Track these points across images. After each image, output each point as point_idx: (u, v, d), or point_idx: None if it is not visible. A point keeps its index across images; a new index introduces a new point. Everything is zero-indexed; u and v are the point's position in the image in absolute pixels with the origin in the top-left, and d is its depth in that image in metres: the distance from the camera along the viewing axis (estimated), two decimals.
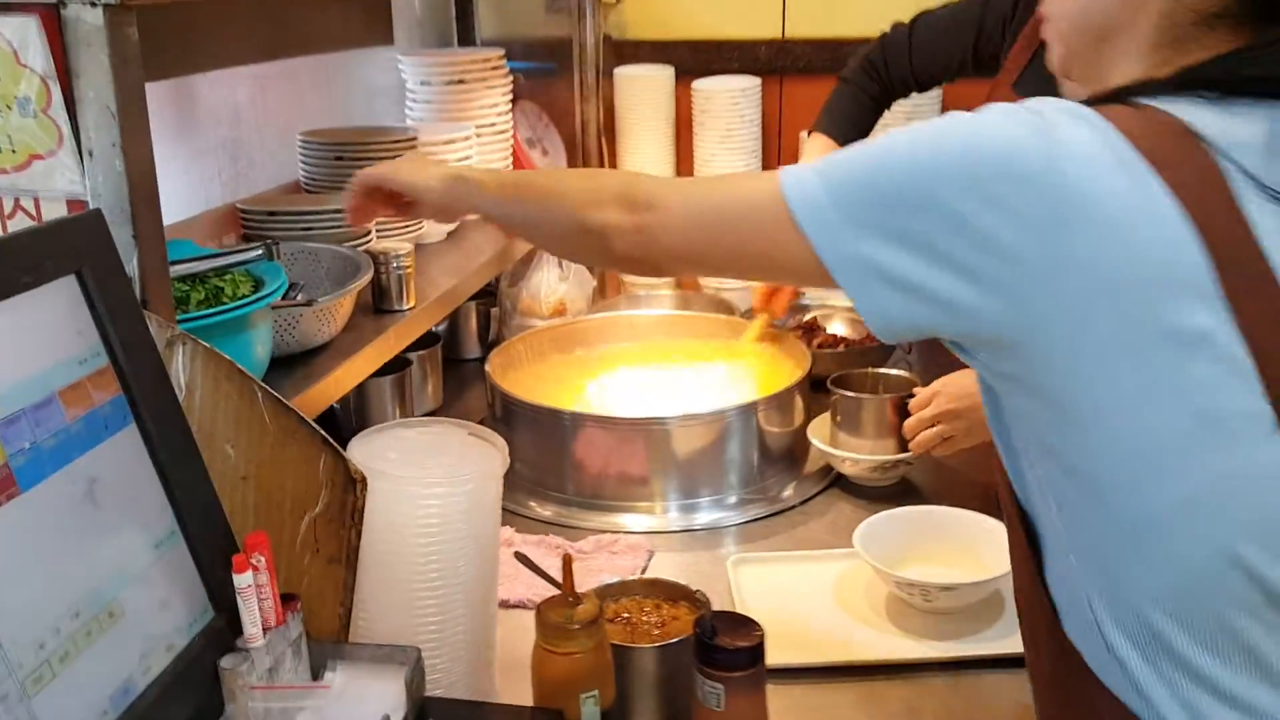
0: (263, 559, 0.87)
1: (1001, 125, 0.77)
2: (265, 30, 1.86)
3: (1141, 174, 0.74)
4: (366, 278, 1.48)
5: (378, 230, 1.71)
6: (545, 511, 1.67)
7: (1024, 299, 0.76)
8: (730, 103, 2.35)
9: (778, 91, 2.46)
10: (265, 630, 0.88)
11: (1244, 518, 0.75)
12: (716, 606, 1.15)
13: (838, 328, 2.19)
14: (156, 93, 0.99)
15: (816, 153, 1.74)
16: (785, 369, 1.86)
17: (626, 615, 1.18)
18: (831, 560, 1.50)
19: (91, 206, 0.97)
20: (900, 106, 1.91)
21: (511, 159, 2.22)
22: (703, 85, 2.40)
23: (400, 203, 1.24)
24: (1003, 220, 0.75)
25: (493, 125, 2.16)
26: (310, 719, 0.87)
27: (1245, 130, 0.77)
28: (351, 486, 0.97)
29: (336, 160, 1.76)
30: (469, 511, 1.05)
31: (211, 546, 0.91)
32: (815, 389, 1.80)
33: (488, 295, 2.20)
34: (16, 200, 1.01)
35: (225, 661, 0.86)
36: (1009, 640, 1.29)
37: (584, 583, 1.11)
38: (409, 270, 1.61)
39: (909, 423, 1.63)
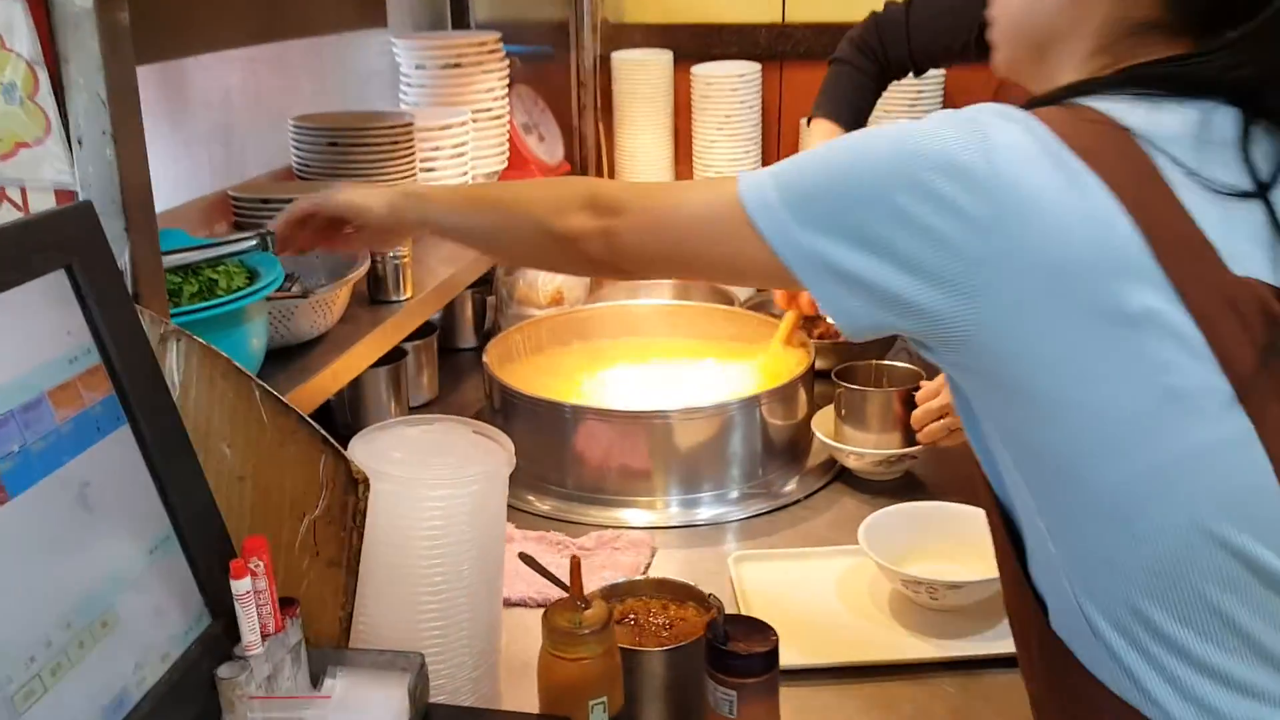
0: (261, 564, 0.84)
1: (940, 129, 0.81)
2: (257, 13, 1.82)
3: (1075, 169, 0.77)
4: (363, 268, 1.45)
5: None
6: (544, 506, 1.64)
7: (974, 294, 0.79)
8: (730, 88, 2.32)
9: (778, 77, 2.43)
10: (264, 637, 0.85)
11: (1212, 491, 0.77)
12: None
13: None
14: (145, 76, 0.95)
15: (820, 138, 1.70)
16: (788, 361, 1.83)
17: (633, 617, 1.15)
18: (835, 557, 1.47)
19: (81, 197, 0.93)
20: (903, 94, 1.89)
21: (508, 145, 2.18)
22: (702, 70, 2.36)
23: (337, 232, 1.24)
24: (946, 218, 0.78)
25: (489, 110, 2.12)
26: None
27: (1174, 124, 0.80)
28: (353, 487, 0.93)
29: (330, 146, 1.72)
30: (474, 513, 1.01)
31: (208, 551, 0.87)
32: (819, 379, 1.77)
33: (483, 283, 2.16)
34: (2, 190, 0.97)
35: (223, 671, 0.83)
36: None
37: (587, 581, 1.08)
38: (406, 260, 1.58)
39: (917, 414, 1.60)
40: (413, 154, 1.78)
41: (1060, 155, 0.77)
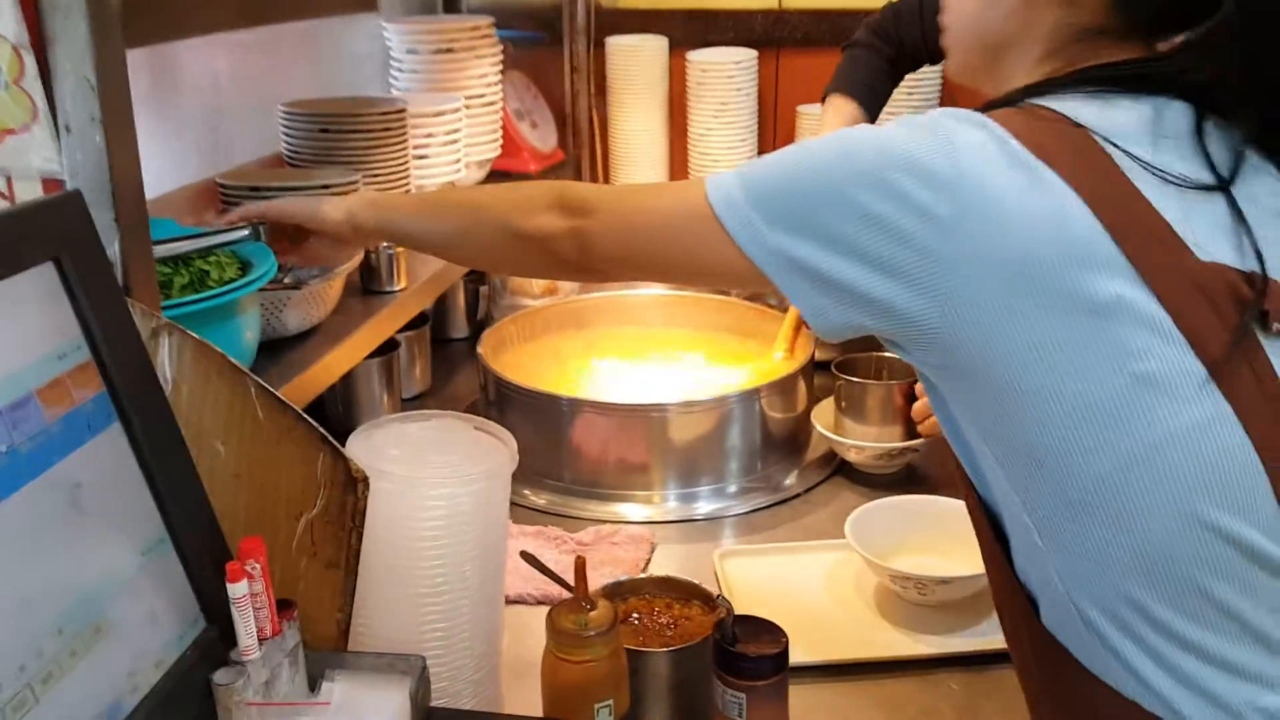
0: (258, 566, 0.81)
1: (904, 132, 0.83)
2: None
3: (1034, 167, 0.79)
4: (357, 258, 1.42)
5: None
6: (540, 500, 1.62)
7: (942, 293, 0.80)
8: (726, 75, 2.28)
9: (774, 64, 2.40)
10: (261, 641, 0.82)
11: (1195, 475, 0.77)
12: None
13: None
14: (131, 61, 0.92)
15: (835, 114, 1.67)
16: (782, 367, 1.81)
17: (637, 616, 1.13)
18: (823, 551, 1.46)
19: (69, 186, 0.90)
20: (900, 86, 1.84)
21: (501, 132, 2.15)
22: (697, 57, 2.32)
23: (292, 236, 1.23)
24: (912, 218, 0.80)
25: (481, 97, 2.08)
26: None
27: (1128, 120, 0.83)
28: (352, 487, 0.90)
29: (321, 133, 1.69)
30: (476, 512, 0.99)
31: (202, 553, 0.85)
32: (818, 371, 1.75)
33: (476, 273, 2.13)
34: None
35: (219, 677, 0.81)
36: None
37: (588, 578, 1.06)
38: (399, 249, 1.54)
39: (917, 406, 1.58)
40: (405, 141, 1.74)
41: (1019, 154, 0.79)
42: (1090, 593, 0.81)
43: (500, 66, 2.14)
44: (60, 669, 0.70)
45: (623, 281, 1.93)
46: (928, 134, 0.82)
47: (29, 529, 0.70)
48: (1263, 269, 0.80)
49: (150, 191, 0.96)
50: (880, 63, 1.72)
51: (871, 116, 1.68)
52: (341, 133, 1.68)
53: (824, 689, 1.20)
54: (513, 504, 1.59)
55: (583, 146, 2.50)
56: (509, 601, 1.32)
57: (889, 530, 1.40)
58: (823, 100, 1.73)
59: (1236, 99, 0.85)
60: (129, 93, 0.91)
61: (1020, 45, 0.92)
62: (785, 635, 1.02)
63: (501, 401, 1.68)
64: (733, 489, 1.63)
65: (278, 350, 1.33)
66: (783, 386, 1.66)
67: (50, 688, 0.69)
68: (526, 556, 1.06)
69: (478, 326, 2.16)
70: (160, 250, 1.11)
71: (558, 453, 1.62)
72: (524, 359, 1.83)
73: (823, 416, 1.70)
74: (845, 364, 1.69)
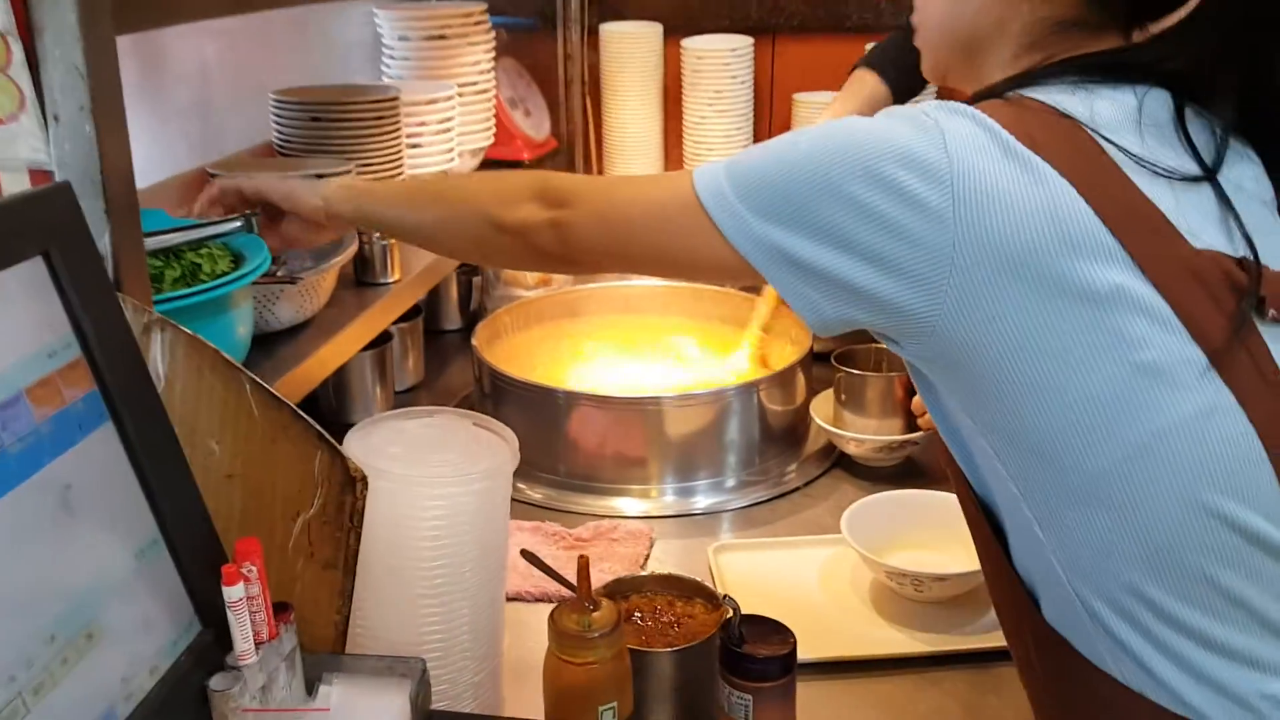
0: (254, 568, 0.79)
1: (893, 124, 0.82)
2: None
3: (1026, 157, 0.78)
4: (351, 249, 1.39)
5: None
6: (535, 494, 1.60)
7: (937, 285, 0.79)
8: (721, 63, 2.26)
9: (770, 51, 2.37)
10: (257, 645, 0.80)
11: (1199, 464, 0.77)
12: None
13: None
14: (119, 49, 0.89)
15: (855, 87, 1.65)
16: (784, 344, 1.79)
17: (639, 614, 1.11)
18: (818, 546, 1.44)
19: (58, 177, 0.87)
20: None
21: (494, 120, 2.12)
22: (692, 44, 2.30)
23: (270, 222, 1.22)
24: (905, 209, 0.78)
25: (474, 84, 2.05)
26: None
27: (1113, 111, 0.82)
28: (350, 486, 0.88)
29: (313, 121, 1.66)
30: (477, 512, 0.97)
31: (197, 555, 0.83)
32: (817, 362, 1.73)
33: (469, 263, 2.10)
34: None
35: (215, 682, 0.79)
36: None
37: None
38: (394, 240, 1.52)
39: (917, 399, 1.57)
40: (398, 129, 1.72)
41: (1011, 145, 0.78)
42: (1094, 584, 0.81)
43: (493, 53, 2.12)
44: (52, 677, 0.68)
45: (606, 274, 1.91)
46: (917, 125, 0.81)
47: (18, 533, 0.68)
48: (1255, 255, 0.80)
49: (139, 182, 0.94)
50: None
51: (898, 91, 1.66)
52: (333, 121, 1.65)
53: (824, 687, 1.18)
54: None
55: (576, 135, 2.48)
56: (507, 599, 1.30)
57: (886, 525, 1.38)
58: (850, 71, 1.71)
59: (1214, 86, 0.85)
60: (119, 81, 0.88)
61: (995, 41, 0.92)
62: (793, 636, 1.00)
63: (497, 394, 1.66)
64: (731, 483, 1.62)
65: (270, 344, 1.30)
66: (781, 379, 1.65)
67: (42, 698, 0.67)
68: (527, 555, 1.04)
69: (471, 318, 2.14)
70: (151, 242, 1.09)
71: (554, 446, 1.61)
72: (519, 351, 1.81)
73: (822, 409, 1.68)
74: (844, 356, 1.67)
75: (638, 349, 1.86)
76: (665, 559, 1.45)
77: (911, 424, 1.60)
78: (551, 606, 1.29)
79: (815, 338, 1.75)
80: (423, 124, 1.85)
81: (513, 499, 1.55)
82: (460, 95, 1.97)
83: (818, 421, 1.66)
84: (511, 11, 2.41)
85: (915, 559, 1.35)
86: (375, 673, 0.88)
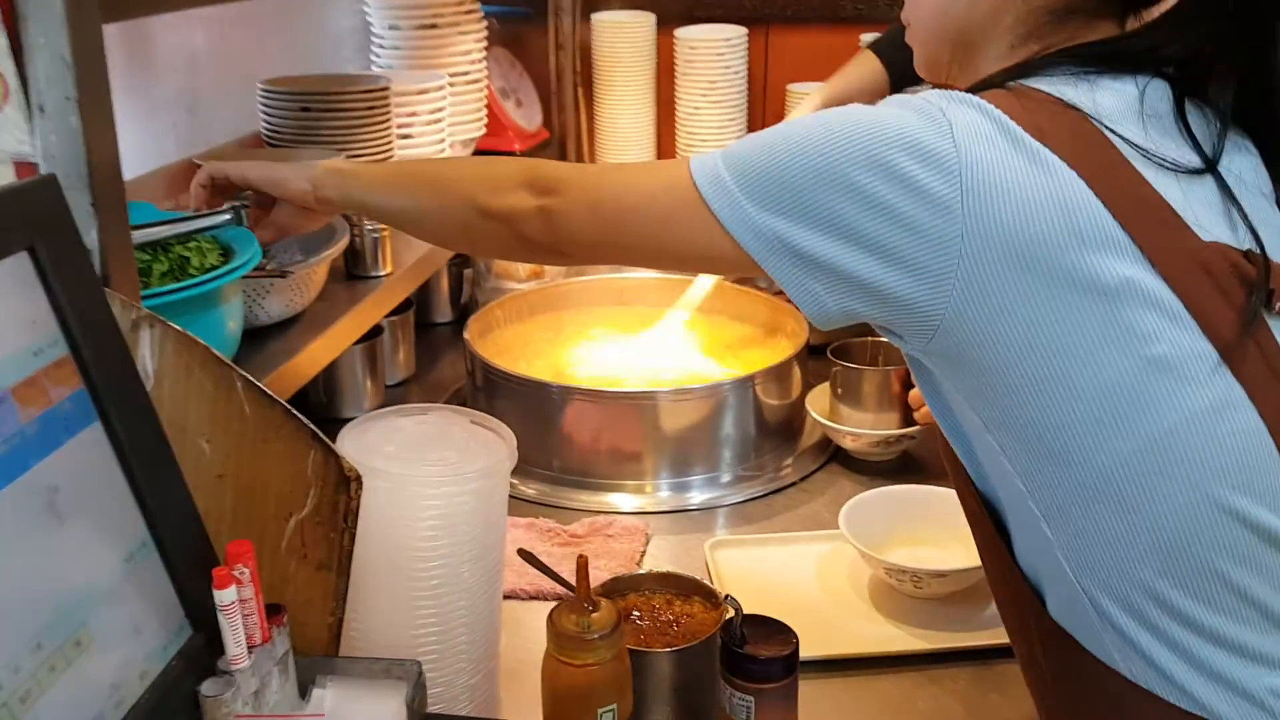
0: (247, 571, 0.77)
1: (898, 112, 0.80)
2: None
3: (1034, 148, 0.77)
4: (342, 243, 1.37)
5: None
6: (529, 490, 1.58)
7: (944, 277, 0.77)
8: (714, 53, 2.24)
9: (763, 41, 2.35)
10: (250, 649, 0.78)
11: (1210, 459, 0.76)
12: None
13: None
14: (105, 37, 0.87)
15: (851, 68, 1.64)
16: (778, 337, 1.77)
17: (637, 613, 1.09)
18: (816, 542, 1.43)
19: (43, 169, 0.85)
20: None
21: (485, 110, 2.10)
22: (685, 34, 2.28)
23: (257, 202, 1.20)
24: (912, 199, 0.77)
25: (466, 74, 2.03)
26: None
27: (1115, 102, 0.81)
28: (344, 486, 0.86)
29: (302, 111, 1.63)
30: (475, 512, 0.95)
31: (188, 557, 0.81)
32: (813, 355, 1.72)
33: (460, 255, 2.08)
34: None
35: (206, 688, 0.77)
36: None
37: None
38: (385, 233, 1.50)
39: (914, 393, 1.55)
40: (388, 120, 1.69)
41: (1016, 135, 0.77)
42: (1102, 581, 0.80)
43: (484, 43, 2.09)
44: (40, 685, 0.66)
45: (597, 265, 1.89)
46: (923, 114, 0.79)
47: (4, 539, 0.66)
48: (1261, 248, 0.79)
49: (125, 173, 0.91)
50: None
51: (899, 77, 1.65)
52: (323, 111, 1.62)
53: (824, 685, 1.17)
54: None
55: (568, 125, 2.46)
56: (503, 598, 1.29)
57: (883, 521, 1.37)
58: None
59: (1211, 76, 0.84)
60: (106, 71, 0.86)
61: (990, 34, 0.90)
62: (795, 636, 0.99)
63: (489, 389, 1.64)
64: (726, 478, 1.60)
65: (260, 339, 1.28)
66: (778, 373, 1.63)
67: (29, 707, 0.65)
68: (524, 554, 1.03)
69: (462, 311, 2.12)
70: (138, 236, 1.07)
71: (548, 441, 1.59)
72: (511, 344, 1.79)
73: (818, 403, 1.67)
74: (841, 349, 1.65)
75: (634, 342, 1.83)
76: (661, 555, 1.44)
77: (908, 418, 1.59)
78: (546, 604, 1.29)
79: (811, 331, 1.73)
80: (413, 114, 1.83)
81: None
82: (451, 85, 1.94)
83: (814, 416, 1.65)
84: (503, 0, 2.38)
85: (914, 555, 1.34)
86: (370, 675, 0.86)
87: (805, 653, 1.13)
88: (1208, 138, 0.83)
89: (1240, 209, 0.81)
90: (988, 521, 0.88)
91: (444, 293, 2.12)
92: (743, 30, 2.28)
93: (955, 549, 1.33)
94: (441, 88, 1.88)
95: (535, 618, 1.26)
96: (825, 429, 1.65)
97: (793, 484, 1.61)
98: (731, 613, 1.00)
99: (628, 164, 0.99)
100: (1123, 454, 0.77)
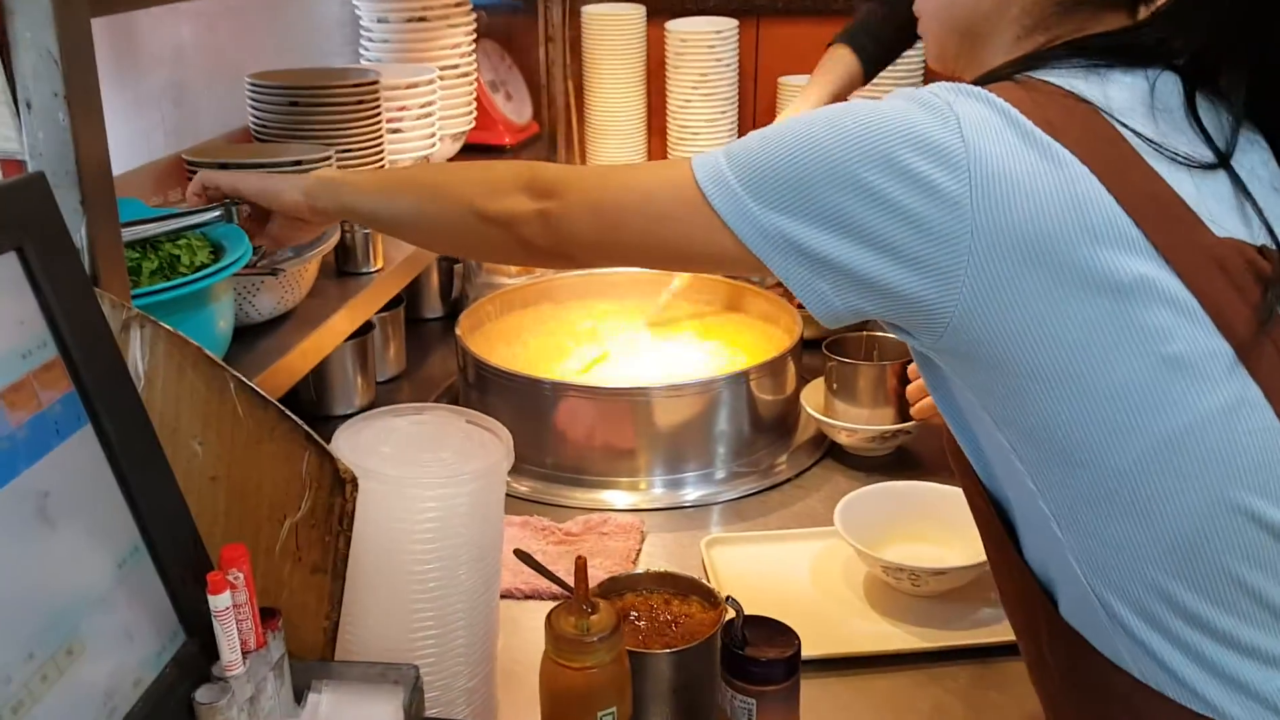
0: (241, 575, 0.76)
1: (904, 106, 0.79)
2: None
3: (1045, 142, 0.76)
4: (333, 239, 1.35)
5: None
6: (522, 487, 1.57)
7: (953, 274, 0.76)
8: (706, 46, 2.23)
9: (754, 34, 2.34)
10: (245, 655, 0.77)
11: (1226, 459, 0.75)
12: None
13: None
14: (92, 31, 0.85)
15: (831, 63, 1.63)
16: (773, 332, 1.76)
17: (634, 614, 1.08)
18: (813, 539, 1.42)
19: (31, 167, 0.84)
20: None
21: (475, 104, 2.08)
22: (676, 26, 2.26)
23: (253, 215, 1.19)
24: (921, 196, 0.76)
25: (455, 67, 2.01)
26: None
27: (1126, 96, 0.80)
28: (339, 488, 0.85)
29: (291, 105, 1.61)
30: (472, 513, 0.94)
31: (181, 562, 0.79)
32: (807, 350, 1.71)
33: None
34: None
35: (201, 695, 0.76)
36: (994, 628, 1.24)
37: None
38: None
39: (911, 388, 1.54)
40: (378, 114, 1.67)
41: (1028, 129, 0.76)
42: (1113, 582, 0.79)
43: (474, 36, 2.08)
44: (32, 696, 0.65)
45: (595, 267, 1.87)
46: (930, 109, 0.78)
47: None
48: (1276, 243, 0.78)
49: (114, 169, 0.90)
50: (889, 13, 1.67)
51: (870, 66, 1.64)
52: (312, 106, 1.61)
53: (823, 685, 1.16)
54: None
55: (558, 119, 2.44)
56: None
57: (879, 517, 1.36)
58: (827, 47, 1.68)
59: (1223, 69, 0.83)
60: (95, 66, 0.84)
61: (996, 25, 0.89)
62: (797, 638, 0.98)
63: (482, 385, 1.63)
64: (721, 474, 1.59)
65: (250, 337, 1.27)
66: (773, 368, 1.62)
67: (21, 718, 0.64)
68: (521, 555, 1.02)
69: (452, 306, 2.11)
70: (127, 233, 1.05)
71: (541, 438, 1.57)
72: (503, 340, 1.77)
73: (812, 398, 1.66)
74: (836, 344, 1.64)
75: (627, 337, 1.82)
76: (656, 553, 1.42)
77: (904, 413, 1.57)
78: (542, 603, 1.28)
79: (806, 324, 1.72)
80: (403, 108, 1.81)
81: None
82: (441, 79, 1.93)
83: (808, 411, 1.64)
84: None
85: (911, 552, 1.33)
86: (366, 680, 0.85)
87: (805, 652, 1.13)
88: (1220, 132, 0.81)
89: (1255, 204, 0.79)
90: (996, 520, 0.87)
91: (434, 288, 2.11)
92: (734, 22, 2.27)
93: (953, 545, 1.33)
94: (431, 81, 1.86)
95: (531, 617, 1.25)
96: (820, 424, 1.64)
97: (788, 480, 1.60)
98: (732, 614, 0.99)
99: (627, 164, 0.97)
100: (1136, 454, 0.76)
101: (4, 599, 0.64)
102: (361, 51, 2.04)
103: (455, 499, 0.92)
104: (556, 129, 2.44)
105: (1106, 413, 0.76)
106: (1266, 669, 0.77)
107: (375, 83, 1.67)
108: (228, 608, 0.75)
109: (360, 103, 1.63)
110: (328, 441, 0.88)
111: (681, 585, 1.11)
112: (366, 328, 1.73)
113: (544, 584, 1.22)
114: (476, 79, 2.09)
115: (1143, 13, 0.87)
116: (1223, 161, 0.80)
